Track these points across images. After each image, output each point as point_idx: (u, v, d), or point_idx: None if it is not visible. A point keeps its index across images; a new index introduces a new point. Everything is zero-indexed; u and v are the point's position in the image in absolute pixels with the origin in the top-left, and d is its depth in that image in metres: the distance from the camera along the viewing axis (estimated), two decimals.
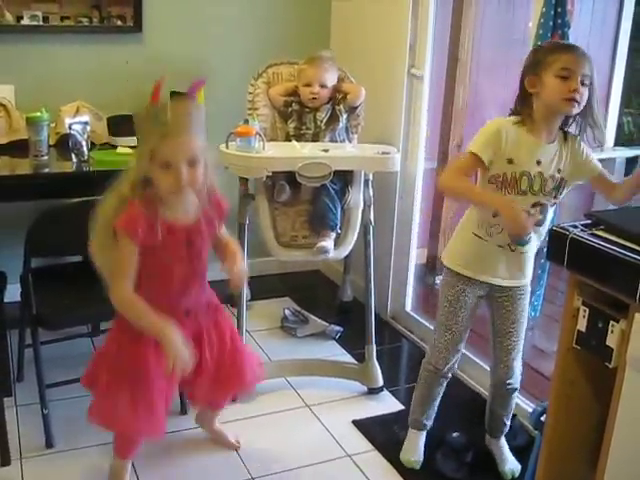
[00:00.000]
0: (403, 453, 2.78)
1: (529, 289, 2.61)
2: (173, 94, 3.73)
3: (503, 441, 2.78)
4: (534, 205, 2.40)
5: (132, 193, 2.15)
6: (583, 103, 2.29)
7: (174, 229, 2.22)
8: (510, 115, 2.42)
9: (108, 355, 2.38)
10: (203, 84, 2.22)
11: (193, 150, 2.12)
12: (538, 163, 2.36)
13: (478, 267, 2.50)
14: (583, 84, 2.27)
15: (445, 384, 2.71)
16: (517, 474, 2.70)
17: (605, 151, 4.36)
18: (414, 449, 2.77)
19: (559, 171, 2.39)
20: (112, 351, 2.36)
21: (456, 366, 2.71)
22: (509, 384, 2.65)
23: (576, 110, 2.30)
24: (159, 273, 2.26)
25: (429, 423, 2.77)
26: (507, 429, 2.77)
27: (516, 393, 2.72)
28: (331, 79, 3.27)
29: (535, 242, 2.47)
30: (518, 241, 2.35)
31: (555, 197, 2.43)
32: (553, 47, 2.37)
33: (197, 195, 2.23)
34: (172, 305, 2.29)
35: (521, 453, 2.74)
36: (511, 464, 2.73)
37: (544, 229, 2.47)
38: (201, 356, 2.37)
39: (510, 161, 2.35)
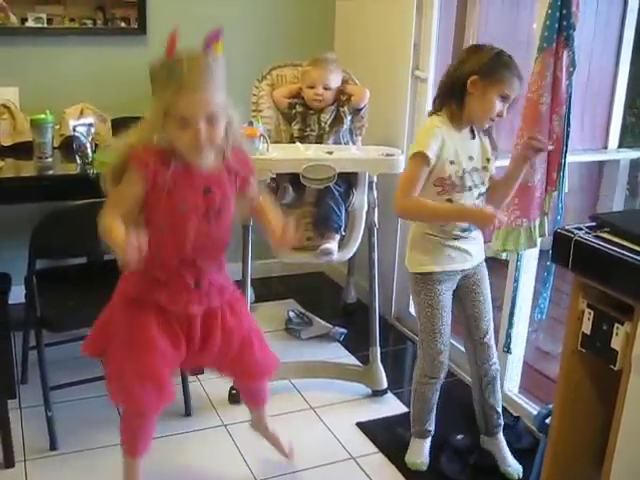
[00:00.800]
0: (409, 456, 2.77)
1: (486, 272, 2.69)
2: None
3: (501, 438, 2.77)
4: (478, 196, 2.52)
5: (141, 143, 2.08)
6: None
7: (191, 171, 2.10)
8: (434, 109, 2.51)
9: (110, 324, 2.30)
10: (220, 35, 2.13)
11: (212, 106, 2.01)
12: (470, 159, 2.47)
13: (442, 260, 2.55)
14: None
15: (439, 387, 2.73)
16: (521, 474, 2.69)
17: (609, 152, 4.35)
18: (420, 453, 2.77)
19: (487, 160, 2.53)
20: (114, 319, 2.29)
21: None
22: (493, 364, 2.69)
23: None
24: (172, 223, 2.12)
25: (432, 428, 2.77)
26: (502, 423, 2.76)
27: (499, 377, 2.74)
28: (335, 81, 3.28)
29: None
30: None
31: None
32: (506, 64, 2.41)
33: (218, 152, 2.13)
34: (182, 267, 2.18)
35: (526, 456, 2.73)
36: (513, 464, 2.72)
37: None
38: (210, 337, 2.28)
39: (452, 162, 2.43)
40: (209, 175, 2.14)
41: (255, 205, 2.33)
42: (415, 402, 2.76)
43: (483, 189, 2.53)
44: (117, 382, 2.29)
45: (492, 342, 2.69)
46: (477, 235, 2.59)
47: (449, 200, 2.46)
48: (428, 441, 2.78)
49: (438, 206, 2.44)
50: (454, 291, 2.64)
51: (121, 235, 1.97)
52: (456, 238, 2.53)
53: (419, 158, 2.39)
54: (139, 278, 2.22)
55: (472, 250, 2.58)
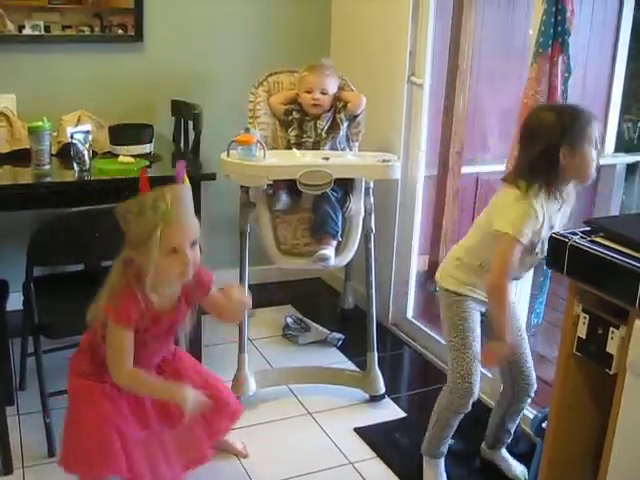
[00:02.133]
0: None
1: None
2: (174, 103, 3.76)
3: (504, 449, 2.79)
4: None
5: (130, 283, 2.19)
6: None
7: (159, 317, 2.26)
8: (517, 179, 2.36)
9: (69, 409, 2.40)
10: (185, 170, 2.23)
11: (195, 232, 2.16)
12: (552, 228, 2.36)
13: (481, 289, 2.49)
14: None
15: None
16: (527, 475, 2.69)
17: (605, 157, 4.37)
18: (439, 477, 2.68)
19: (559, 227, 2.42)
20: (71, 401, 2.39)
21: None
22: (529, 397, 2.65)
23: None
24: (137, 347, 2.26)
25: (446, 449, 2.68)
26: (509, 441, 2.77)
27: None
28: (332, 86, 3.29)
29: None
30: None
31: None
32: (581, 117, 2.30)
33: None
34: (144, 365, 2.34)
35: (523, 460, 2.74)
36: (519, 468, 2.73)
37: None
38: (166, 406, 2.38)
39: (535, 232, 2.35)
40: (172, 313, 2.30)
41: (211, 301, 2.42)
42: (435, 426, 2.63)
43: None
44: (75, 453, 2.35)
45: (533, 374, 2.62)
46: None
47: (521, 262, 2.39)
48: (442, 460, 2.69)
49: (504, 316, 2.37)
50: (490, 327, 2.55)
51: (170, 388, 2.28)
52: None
53: (515, 242, 2.30)
54: (89, 360, 2.34)
55: None
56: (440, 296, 2.62)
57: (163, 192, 2.09)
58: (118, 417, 2.29)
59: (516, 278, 2.52)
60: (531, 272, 2.98)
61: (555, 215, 2.39)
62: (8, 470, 2.66)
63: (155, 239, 2.07)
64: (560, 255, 1.97)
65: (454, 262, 2.58)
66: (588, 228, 2.01)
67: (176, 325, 2.35)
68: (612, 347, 1.88)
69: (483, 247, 2.45)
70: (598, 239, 1.94)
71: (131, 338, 2.20)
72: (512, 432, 2.75)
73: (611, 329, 1.88)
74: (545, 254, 2.33)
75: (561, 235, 1.99)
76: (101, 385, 2.30)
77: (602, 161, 4.26)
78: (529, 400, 2.67)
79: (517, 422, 2.74)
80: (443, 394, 2.60)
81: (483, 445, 2.82)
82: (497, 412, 2.75)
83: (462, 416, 2.58)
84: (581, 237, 1.96)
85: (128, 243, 2.15)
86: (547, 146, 2.27)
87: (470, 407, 2.55)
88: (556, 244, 1.99)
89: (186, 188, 2.19)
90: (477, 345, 2.52)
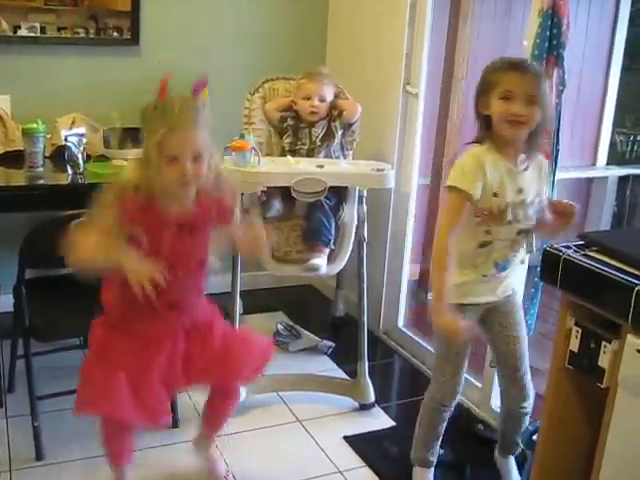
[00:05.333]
0: None
1: (520, 304, 2.59)
2: None
3: (512, 461, 2.72)
4: (519, 233, 2.37)
5: (135, 186, 2.16)
6: (531, 124, 2.23)
7: (167, 218, 2.20)
8: (474, 143, 2.35)
9: (92, 355, 2.39)
10: (206, 84, 2.25)
11: (198, 145, 2.13)
12: (519, 191, 2.31)
13: (468, 294, 2.43)
14: (531, 103, 2.20)
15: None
16: None
17: (597, 170, 4.39)
18: None
19: (538, 195, 2.36)
20: (96, 348, 2.37)
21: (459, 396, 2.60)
22: (522, 407, 2.59)
23: (523, 132, 2.26)
24: (147, 251, 2.19)
25: (434, 458, 2.66)
26: (519, 449, 2.70)
27: (527, 419, 2.64)
28: (329, 94, 3.30)
29: (517, 261, 2.47)
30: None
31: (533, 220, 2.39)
32: (490, 68, 2.29)
33: (199, 191, 2.22)
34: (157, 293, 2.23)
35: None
36: None
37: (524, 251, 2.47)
38: (187, 351, 2.38)
39: (495, 194, 2.27)
40: (184, 220, 2.24)
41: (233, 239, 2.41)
42: (422, 428, 2.64)
43: (527, 225, 2.37)
44: (96, 395, 2.31)
45: (525, 382, 2.58)
46: (506, 279, 2.47)
47: (487, 232, 2.32)
48: (432, 471, 2.66)
49: (443, 285, 2.26)
50: (482, 322, 2.53)
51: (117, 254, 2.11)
52: (487, 276, 2.41)
53: (463, 195, 2.23)
54: (118, 302, 2.31)
55: (497, 287, 2.46)
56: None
57: (173, 99, 2.13)
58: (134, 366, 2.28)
59: (501, 267, 2.41)
60: (522, 284, 2.99)
61: (522, 180, 2.31)
62: None
63: (154, 143, 2.09)
64: (554, 268, 1.97)
65: None
66: (582, 242, 2.02)
67: (191, 239, 2.26)
68: (604, 361, 1.89)
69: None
70: (592, 253, 1.95)
71: (111, 215, 2.13)
72: (518, 443, 2.65)
73: (603, 343, 1.89)
74: (529, 222, 2.35)
75: (555, 248, 1.99)
76: (125, 338, 2.30)
77: (594, 173, 4.30)
78: (524, 412, 2.60)
79: (521, 431, 2.64)
80: (426, 392, 2.60)
81: (495, 451, 2.77)
82: (500, 416, 2.73)
83: (446, 417, 2.57)
84: (575, 251, 1.96)
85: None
86: (476, 101, 2.31)
87: (452, 406, 2.56)
88: (550, 257, 2.00)
89: (199, 100, 2.20)
90: (462, 354, 2.50)
